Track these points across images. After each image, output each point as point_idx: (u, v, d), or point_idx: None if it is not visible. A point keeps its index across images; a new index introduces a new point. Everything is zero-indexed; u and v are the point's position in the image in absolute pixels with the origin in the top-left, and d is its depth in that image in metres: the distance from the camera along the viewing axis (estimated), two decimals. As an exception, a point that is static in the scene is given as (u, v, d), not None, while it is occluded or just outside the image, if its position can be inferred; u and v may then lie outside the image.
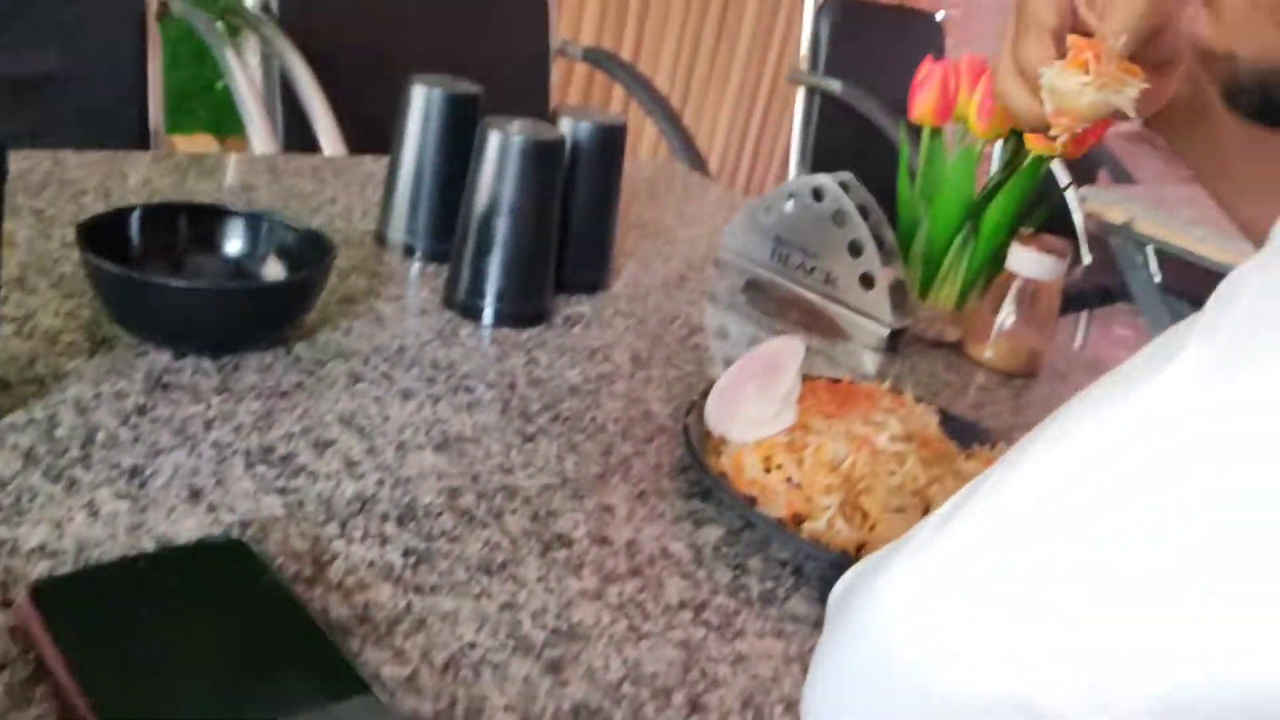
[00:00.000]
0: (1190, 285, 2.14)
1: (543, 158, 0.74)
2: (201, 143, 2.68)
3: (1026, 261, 0.87)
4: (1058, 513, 0.32)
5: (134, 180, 0.90)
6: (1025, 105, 0.57)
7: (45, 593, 0.40)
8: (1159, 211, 1.94)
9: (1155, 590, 0.29)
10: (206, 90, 2.59)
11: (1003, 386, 0.88)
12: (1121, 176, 2.53)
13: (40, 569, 0.43)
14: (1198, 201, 2.20)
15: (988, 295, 0.91)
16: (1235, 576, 0.28)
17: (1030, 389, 0.89)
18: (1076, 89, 0.52)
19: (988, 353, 0.90)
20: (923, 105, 0.89)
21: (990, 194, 0.88)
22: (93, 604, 0.40)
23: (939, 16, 2.47)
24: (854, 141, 2.14)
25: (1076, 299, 2.18)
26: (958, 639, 0.33)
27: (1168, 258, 2.02)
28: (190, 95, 2.58)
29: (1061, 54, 0.54)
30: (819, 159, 2.21)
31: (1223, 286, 0.32)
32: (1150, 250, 2.04)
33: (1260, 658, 0.28)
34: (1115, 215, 1.97)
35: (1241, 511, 0.28)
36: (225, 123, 2.65)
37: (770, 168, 3.24)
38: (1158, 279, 2.11)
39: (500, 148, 0.74)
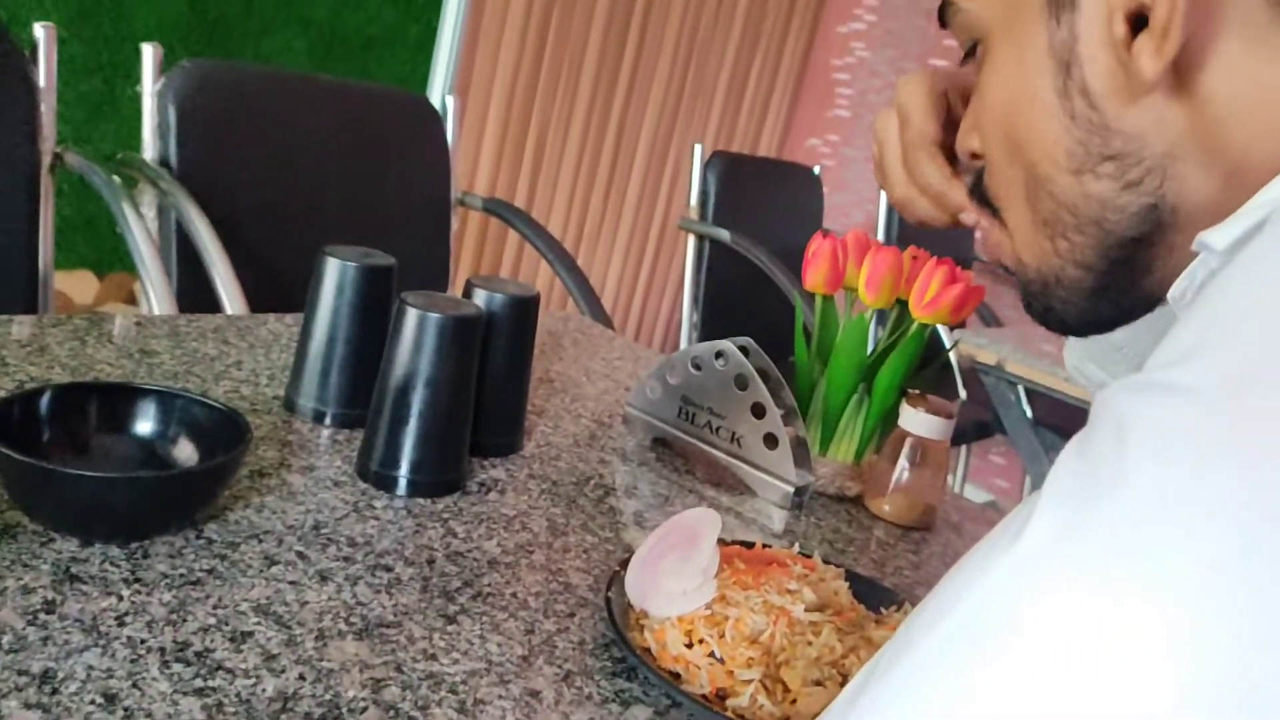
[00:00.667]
0: (1059, 418, 2.28)
1: (460, 333, 0.76)
2: (81, 278, 2.61)
3: (917, 421, 0.92)
4: (947, 687, 0.34)
5: (30, 347, 0.88)
6: (932, 215, 0.63)
7: (-48, 829, 0.38)
8: (1025, 352, 2.07)
9: None
10: (88, 225, 2.54)
11: (902, 540, 0.92)
12: (989, 319, 2.71)
13: (-58, 799, 0.41)
14: (1058, 341, 2.38)
15: (884, 450, 0.96)
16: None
17: (928, 541, 0.93)
18: None
19: (886, 506, 0.94)
20: (815, 276, 0.95)
21: (880, 358, 0.94)
22: (5, 839, 0.38)
23: (816, 170, 2.64)
24: (744, 284, 2.24)
25: (956, 434, 2.30)
26: None
27: (1036, 393, 2.16)
28: (72, 229, 2.52)
29: (953, 163, 0.59)
30: (710, 301, 2.30)
31: (1055, 463, 0.36)
32: (1020, 388, 2.18)
33: None
34: (986, 357, 2.10)
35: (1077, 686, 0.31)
36: (107, 259, 2.60)
37: (661, 309, 3.33)
38: (1029, 413, 2.25)
39: (418, 324, 0.76)
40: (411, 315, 0.75)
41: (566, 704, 0.57)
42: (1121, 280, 0.50)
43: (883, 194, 2.58)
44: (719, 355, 0.94)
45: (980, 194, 0.54)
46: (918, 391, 0.94)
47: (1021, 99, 0.49)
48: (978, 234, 0.63)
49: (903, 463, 0.94)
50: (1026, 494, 2.67)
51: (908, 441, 0.93)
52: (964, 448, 2.82)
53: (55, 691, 0.48)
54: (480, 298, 0.84)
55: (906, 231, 2.62)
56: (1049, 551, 0.34)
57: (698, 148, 2.31)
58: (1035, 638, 0.33)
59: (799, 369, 0.98)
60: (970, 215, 0.59)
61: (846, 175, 3.48)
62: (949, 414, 0.91)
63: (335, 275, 0.84)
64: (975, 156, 0.56)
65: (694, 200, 2.29)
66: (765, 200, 2.44)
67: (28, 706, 0.47)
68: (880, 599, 0.72)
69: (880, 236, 2.70)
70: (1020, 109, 0.49)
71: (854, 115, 3.50)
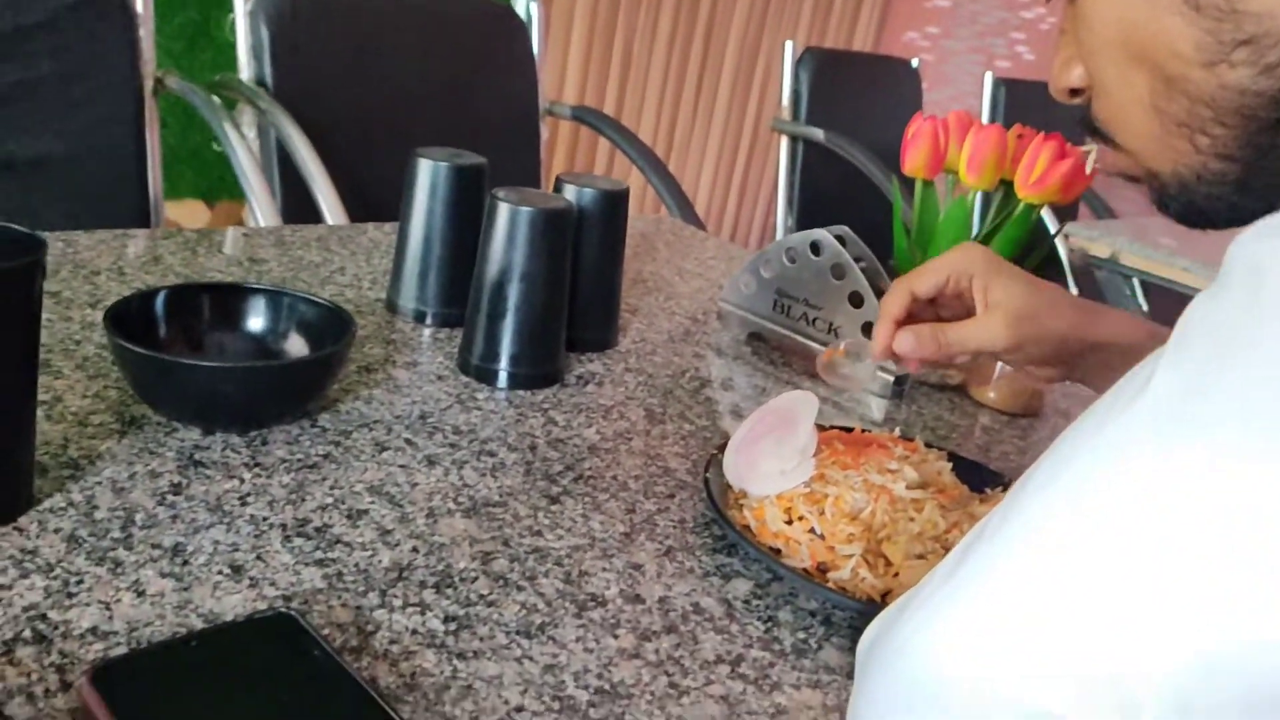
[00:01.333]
0: (1176, 314, 2.18)
1: (552, 226, 0.77)
2: (191, 207, 2.70)
3: (1023, 304, 0.89)
4: (1059, 544, 0.34)
5: (145, 258, 0.92)
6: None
7: (104, 675, 0.41)
8: (1142, 244, 1.98)
9: (1146, 593, 0.32)
10: (194, 155, 2.62)
11: (1008, 427, 0.90)
12: (1102, 211, 2.58)
13: (95, 651, 0.44)
14: (1177, 232, 2.25)
15: (986, 338, 0.93)
16: (1213, 575, 0.31)
17: (1035, 428, 0.91)
18: None
19: (991, 394, 0.92)
20: (914, 160, 0.92)
21: (984, 242, 0.90)
22: (151, 684, 0.41)
23: (914, 63, 2.53)
24: (839, 185, 2.18)
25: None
26: (983, 670, 0.35)
27: (1153, 288, 2.07)
28: (179, 160, 2.60)
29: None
30: (805, 203, 2.25)
31: (1182, 318, 0.35)
32: (1136, 282, 2.08)
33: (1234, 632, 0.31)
34: (1099, 249, 2.01)
35: (1197, 534, 0.31)
36: (215, 187, 2.68)
37: (755, 214, 3.28)
38: (1145, 309, 2.15)
39: (510, 219, 0.76)
40: (503, 210, 0.76)
41: (669, 576, 0.58)
42: (1270, 165, 0.47)
43: (986, 83, 2.46)
44: (814, 245, 0.92)
45: (1090, 125, 0.53)
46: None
47: (1137, 3, 0.47)
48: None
49: (1008, 349, 0.91)
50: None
51: (1013, 327, 0.90)
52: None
53: (186, 563, 0.51)
54: (570, 193, 0.84)
55: (1012, 117, 2.51)
56: (1176, 409, 0.33)
57: (789, 45, 2.23)
58: (1156, 496, 0.32)
59: (898, 257, 0.96)
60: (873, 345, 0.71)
61: (947, 69, 3.33)
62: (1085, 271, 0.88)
63: (427, 176, 0.85)
64: (1075, 93, 0.56)
65: (786, 100, 2.23)
66: (860, 97, 2.36)
67: (162, 575, 0.50)
68: (985, 480, 0.71)
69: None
70: (1137, 14, 0.47)
71: (954, 5, 3.34)
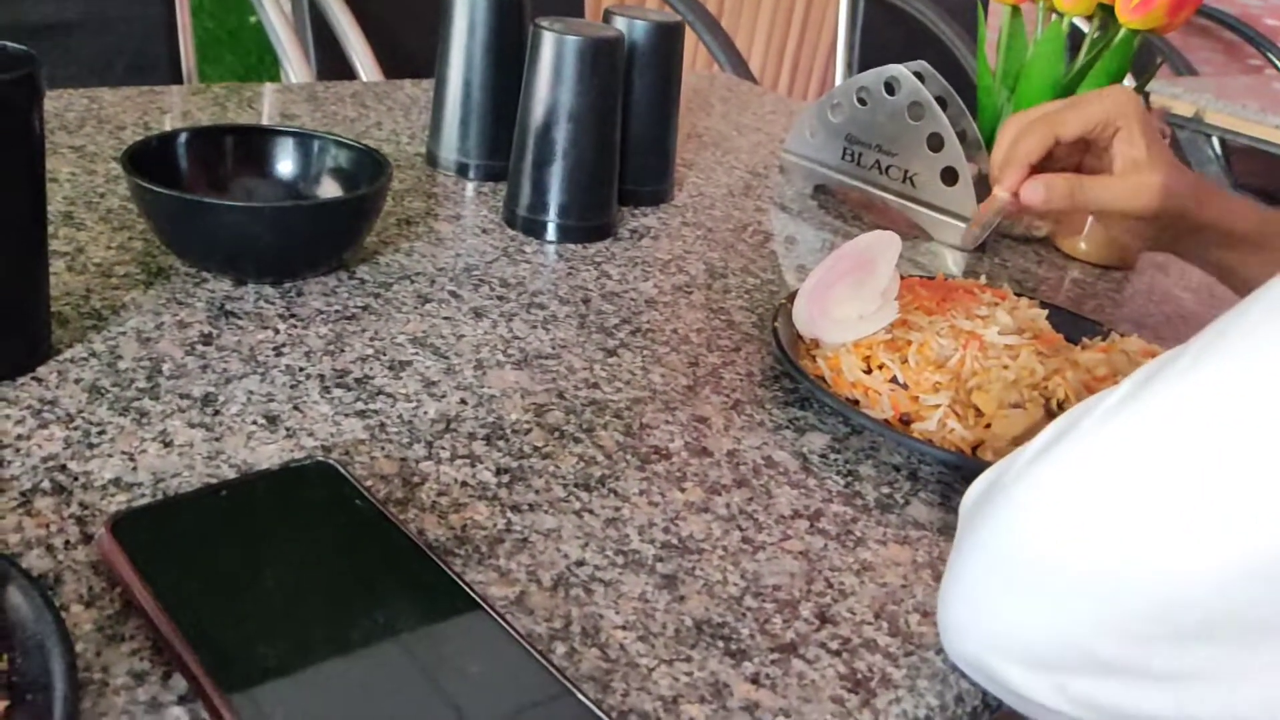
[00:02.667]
0: (1259, 177, 2.04)
1: (601, 58, 0.70)
2: (231, 91, 2.64)
3: (1121, 144, 0.81)
4: (1235, 425, 0.29)
5: (173, 115, 0.86)
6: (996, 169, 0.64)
7: (125, 525, 0.37)
8: (1227, 102, 1.84)
9: None
10: (232, 38, 2.55)
11: (1100, 279, 0.83)
12: (1183, 69, 2.41)
13: (117, 502, 0.41)
14: (1260, 92, 2.10)
15: (1077, 184, 0.85)
16: None
17: (1129, 281, 0.84)
18: None
19: (1082, 245, 0.85)
20: (1002, -19, 0.82)
21: (1083, 73, 0.81)
22: (176, 534, 0.37)
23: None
24: (903, 46, 2.04)
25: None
26: (1145, 523, 0.30)
27: (1234, 150, 1.93)
28: (216, 43, 2.54)
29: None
30: (866, 65, 2.12)
31: None
32: (1215, 140, 1.95)
33: None
34: (1183, 108, 1.87)
35: None
36: (254, 69, 2.61)
37: (812, 75, 3.14)
38: (1225, 168, 2.02)
39: (556, 50, 0.69)
40: (548, 40, 0.69)
41: (737, 429, 0.53)
42: None
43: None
44: (890, 83, 0.84)
45: None
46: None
47: None
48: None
49: (1101, 195, 0.83)
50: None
51: (1108, 170, 0.82)
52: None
53: (217, 413, 0.47)
54: (621, 24, 0.77)
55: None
56: None
57: (849, -109, 2.07)
58: None
59: (982, 95, 0.87)
60: (997, 188, 0.62)
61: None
62: (1162, 133, 0.79)
63: (465, 10, 0.78)
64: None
65: (846, -48, 2.08)
66: (926, -53, 2.19)
67: (191, 426, 0.46)
68: (1083, 331, 0.65)
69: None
70: None
71: None
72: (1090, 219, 0.84)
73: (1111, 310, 0.77)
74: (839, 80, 2.14)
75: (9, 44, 0.46)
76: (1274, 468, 0.28)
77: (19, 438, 0.43)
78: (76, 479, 0.42)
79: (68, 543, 0.38)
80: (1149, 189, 0.59)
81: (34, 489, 0.41)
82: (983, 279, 0.67)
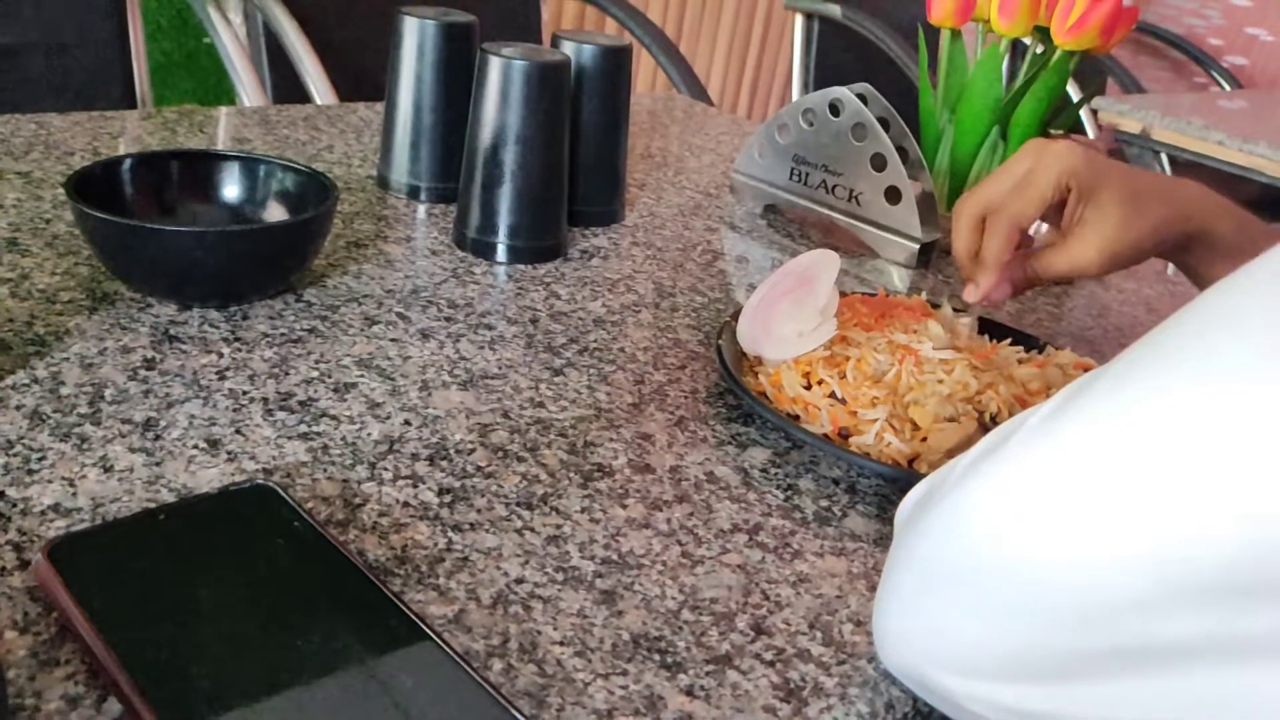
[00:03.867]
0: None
1: (548, 81, 0.71)
2: (189, 115, 2.63)
3: (1058, 162, 0.83)
4: (1186, 418, 0.30)
5: (123, 140, 0.86)
6: (961, 262, 0.68)
7: (62, 550, 0.37)
8: (1173, 119, 1.89)
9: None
10: (190, 60, 2.53)
11: (1041, 294, 0.85)
12: (1131, 87, 2.47)
13: (56, 528, 0.41)
14: (1205, 109, 2.15)
15: (1017, 202, 0.87)
16: None
17: (1070, 295, 0.86)
18: None
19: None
20: (942, 6, 0.84)
21: (1019, 94, 0.84)
22: (114, 558, 0.37)
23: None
24: (857, 64, 2.08)
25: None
26: (1062, 546, 0.31)
27: (1180, 166, 1.98)
28: (174, 66, 2.52)
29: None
30: (821, 84, 2.15)
31: None
32: (1164, 158, 1.99)
33: None
34: (1130, 125, 1.92)
35: None
36: (213, 93, 2.60)
37: (770, 97, 3.18)
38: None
39: (503, 74, 0.70)
40: (495, 65, 0.70)
41: (680, 445, 0.54)
42: None
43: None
44: (834, 105, 0.85)
45: None
46: (1060, 132, 0.85)
47: None
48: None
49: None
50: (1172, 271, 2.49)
51: (1046, 188, 0.84)
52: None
53: (158, 438, 0.47)
54: (568, 49, 0.78)
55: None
56: None
57: (802, -85, 2.11)
58: None
59: (923, 116, 0.89)
60: (971, 291, 0.65)
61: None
62: (1097, 150, 0.82)
63: (415, 36, 0.79)
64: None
65: (800, -25, 2.11)
66: (879, -30, 2.23)
67: (132, 450, 0.46)
68: (1018, 344, 0.66)
69: None
70: None
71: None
72: (1031, 232, 0.86)
73: (1051, 325, 0.79)
74: (795, 100, 2.16)
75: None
76: (1183, 484, 0.30)
77: (-44, 465, 0.43)
78: (15, 505, 0.42)
79: (3, 569, 0.38)
80: (1093, 252, 0.62)
81: (-30, 516, 0.41)
82: (924, 295, 0.69)
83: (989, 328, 0.67)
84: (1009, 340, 0.65)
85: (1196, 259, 0.66)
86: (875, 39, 1.99)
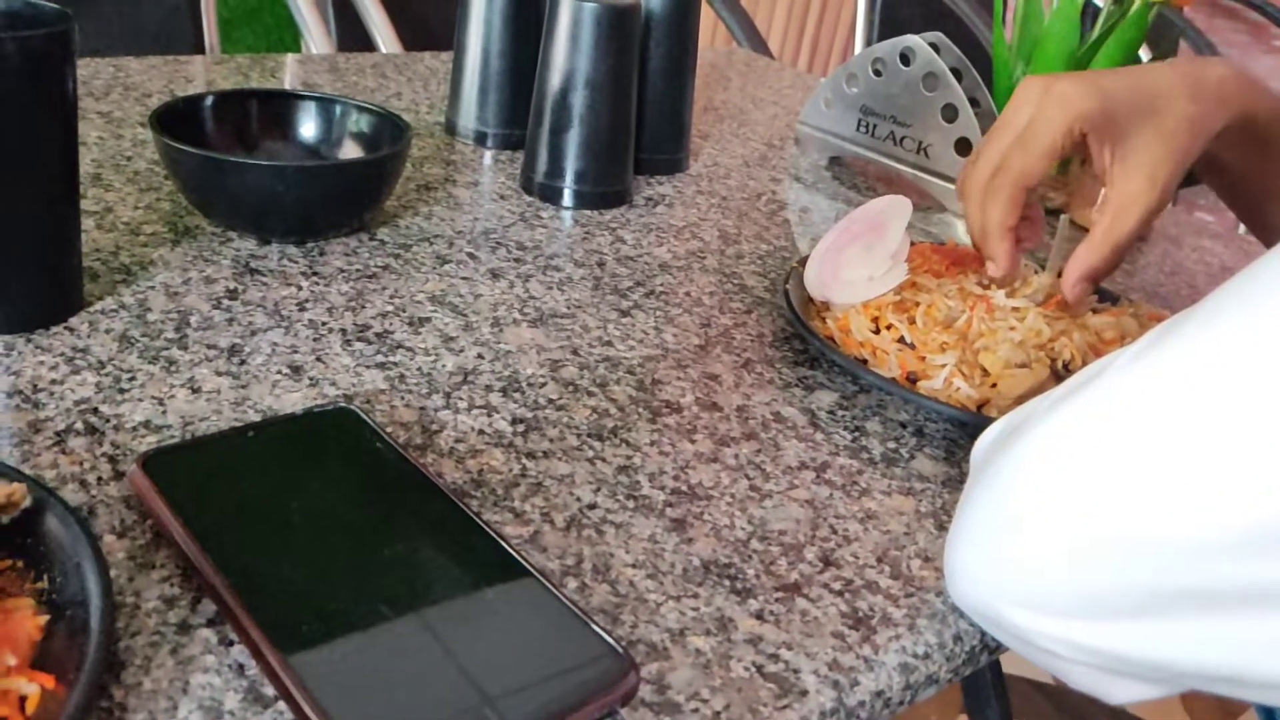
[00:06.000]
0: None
1: (619, 25, 0.70)
2: (252, 70, 2.66)
3: (1135, 115, 0.81)
4: (1240, 376, 0.30)
5: (197, 83, 0.88)
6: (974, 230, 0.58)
7: (156, 461, 0.39)
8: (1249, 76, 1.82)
9: None
10: (253, 16, 2.56)
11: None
12: (1204, 49, 2.39)
13: (148, 443, 0.42)
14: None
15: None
16: None
17: (1142, 252, 0.84)
18: None
19: (1095, 215, 0.85)
20: (1018, -48, 0.82)
21: (1096, 45, 0.82)
22: (205, 471, 0.39)
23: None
24: (921, 20, 2.04)
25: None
26: (1165, 470, 0.31)
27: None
28: (238, 21, 2.56)
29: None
30: (885, 37, 2.11)
31: None
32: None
33: None
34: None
35: None
36: (274, 47, 2.63)
37: (832, 51, 3.13)
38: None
39: (573, 17, 0.70)
40: (566, 7, 0.70)
41: (748, 386, 0.54)
42: None
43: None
44: (905, 54, 0.84)
45: None
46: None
47: None
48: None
49: (1114, 167, 0.83)
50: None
51: (1122, 142, 0.83)
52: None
53: (244, 363, 0.49)
54: (638, -6, 0.77)
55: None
56: None
57: None
58: None
59: (997, 67, 0.88)
60: (992, 268, 0.57)
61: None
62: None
63: (485, -20, 0.79)
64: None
65: (866, -71, 2.07)
66: (947, -74, 2.18)
67: (218, 374, 0.48)
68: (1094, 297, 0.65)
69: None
70: None
71: None
72: (1102, 191, 0.84)
73: (1123, 280, 0.78)
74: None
75: (43, 2, 0.47)
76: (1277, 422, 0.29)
77: (53, 383, 0.45)
78: (108, 421, 0.43)
79: (100, 479, 0.40)
80: (1147, 189, 0.55)
81: (68, 429, 0.42)
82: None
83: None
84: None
85: (1241, 155, 0.58)
86: (943, -5, 1.95)
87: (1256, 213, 0.63)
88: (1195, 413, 0.31)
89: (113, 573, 0.36)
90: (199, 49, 1.40)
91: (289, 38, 2.67)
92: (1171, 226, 0.91)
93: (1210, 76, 0.55)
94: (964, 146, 0.82)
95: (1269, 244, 0.63)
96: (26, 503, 0.35)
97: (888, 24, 2.14)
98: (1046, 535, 0.33)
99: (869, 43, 2.09)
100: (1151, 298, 0.75)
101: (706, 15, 1.77)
